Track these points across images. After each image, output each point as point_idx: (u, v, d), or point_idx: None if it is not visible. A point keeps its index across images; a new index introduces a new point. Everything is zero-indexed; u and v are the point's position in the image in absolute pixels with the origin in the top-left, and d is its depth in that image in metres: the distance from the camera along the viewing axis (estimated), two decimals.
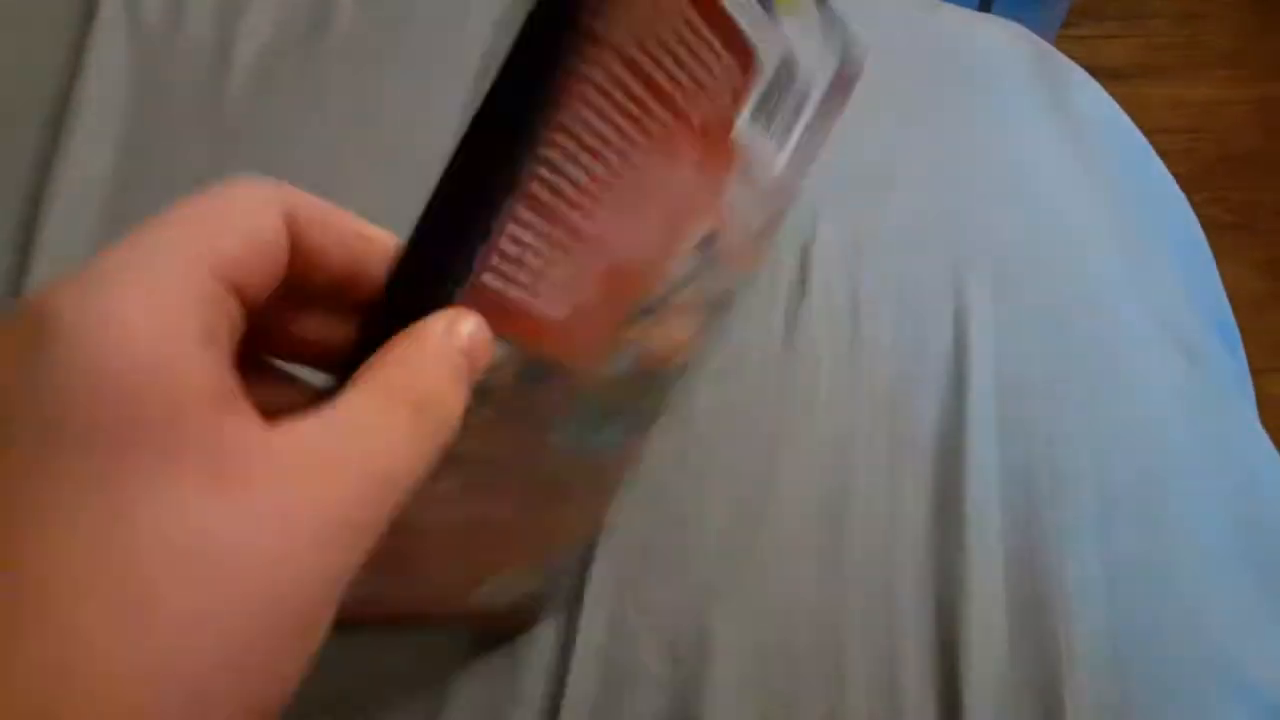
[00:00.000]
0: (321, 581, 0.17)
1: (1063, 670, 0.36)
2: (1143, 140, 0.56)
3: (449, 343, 0.20)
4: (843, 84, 0.29)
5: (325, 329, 0.22)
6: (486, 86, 0.21)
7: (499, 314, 0.22)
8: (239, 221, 0.20)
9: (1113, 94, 0.56)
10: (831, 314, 0.44)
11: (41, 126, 0.48)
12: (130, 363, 0.16)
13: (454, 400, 0.20)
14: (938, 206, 0.48)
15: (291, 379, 0.22)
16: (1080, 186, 0.50)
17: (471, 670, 0.36)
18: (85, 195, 0.46)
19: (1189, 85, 1.21)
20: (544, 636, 0.37)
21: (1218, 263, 0.55)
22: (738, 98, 0.25)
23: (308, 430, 0.18)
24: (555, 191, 0.21)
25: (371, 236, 0.23)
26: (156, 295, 0.17)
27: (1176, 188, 0.56)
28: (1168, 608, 0.38)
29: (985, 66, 0.54)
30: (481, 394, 0.21)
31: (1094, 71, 0.57)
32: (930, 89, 0.53)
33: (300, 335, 0.22)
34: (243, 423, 0.17)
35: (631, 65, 0.21)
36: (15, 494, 0.16)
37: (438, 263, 0.21)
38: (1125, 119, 0.56)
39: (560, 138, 0.21)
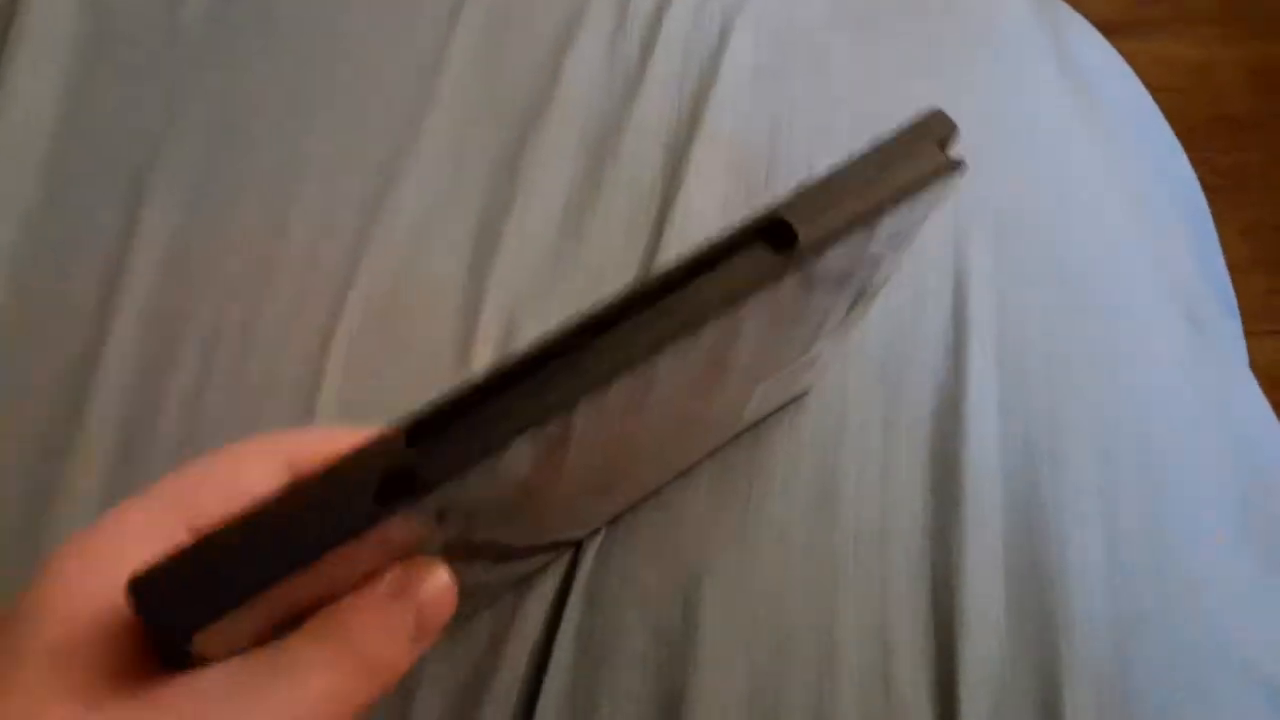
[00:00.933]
0: None
1: (1061, 648, 0.35)
2: (1147, 96, 0.54)
3: (385, 598, 0.20)
4: None
5: None
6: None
7: None
8: (239, 490, 0.20)
9: None
10: None
11: None
12: (81, 610, 0.19)
13: (390, 647, 0.20)
14: None
15: None
16: (1085, 140, 0.48)
17: (453, 641, 0.34)
18: (27, 137, 0.43)
19: (1177, 43, 1.19)
20: (528, 613, 0.35)
21: None
22: None
23: (229, 675, 0.18)
24: None
25: None
26: (116, 555, 0.19)
27: (1180, 148, 0.54)
28: (1169, 585, 0.37)
29: (984, 16, 0.52)
30: None
31: None
32: (929, 39, 0.50)
33: None
34: (167, 675, 0.18)
35: None
36: None
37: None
38: (1128, 70, 0.54)
39: None
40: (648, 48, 0.48)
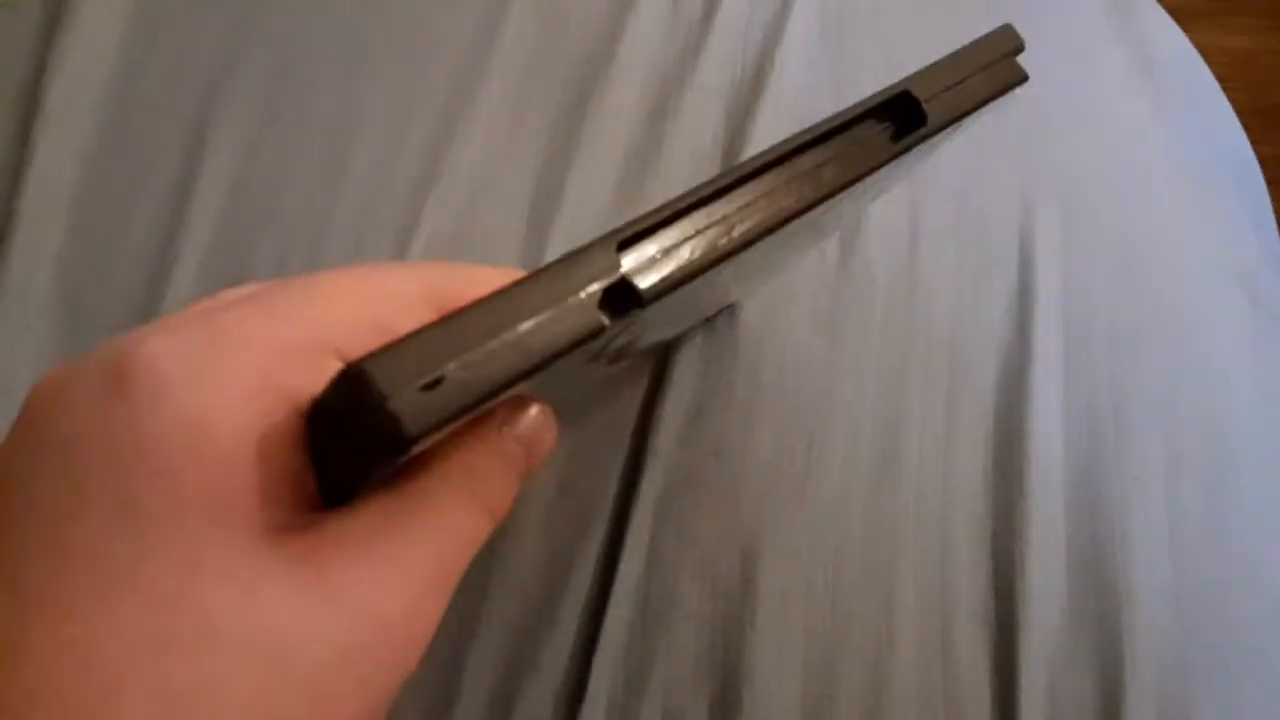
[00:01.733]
0: (387, 670, 0.17)
1: (1122, 620, 0.34)
2: (1210, 76, 0.53)
3: (503, 437, 0.20)
4: None
5: None
6: None
7: None
8: (372, 312, 0.19)
9: None
10: (890, 242, 0.41)
11: (41, 7, 0.44)
12: (227, 444, 0.16)
13: (505, 490, 0.20)
14: (1004, 133, 0.45)
15: None
16: (1151, 120, 0.48)
17: (507, 593, 0.34)
18: (87, 82, 0.42)
19: (1223, 33, 1.18)
20: (582, 565, 0.35)
21: None
22: None
23: (371, 518, 0.17)
24: None
25: None
26: (262, 379, 0.17)
27: (1239, 126, 0.53)
28: (1230, 560, 0.36)
29: None
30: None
31: None
32: (997, 9, 0.50)
33: None
34: (313, 516, 0.17)
35: None
36: (89, 560, 0.15)
37: None
38: (1193, 51, 0.53)
39: None
40: (712, 6, 0.47)
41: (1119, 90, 0.48)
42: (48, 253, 0.38)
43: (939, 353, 0.39)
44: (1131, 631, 0.34)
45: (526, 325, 0.17)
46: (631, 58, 0.46)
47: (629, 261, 0.18)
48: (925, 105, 0.23)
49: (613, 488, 0.36)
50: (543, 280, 0.17)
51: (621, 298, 0.18)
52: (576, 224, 0.41)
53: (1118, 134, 0.47)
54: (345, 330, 0.18)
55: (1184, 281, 0.43)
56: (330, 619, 0.16)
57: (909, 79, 0.23)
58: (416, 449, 0.16)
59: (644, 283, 0.18)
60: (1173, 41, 0.53)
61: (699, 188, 0.20)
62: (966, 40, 0.50)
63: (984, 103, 0.24)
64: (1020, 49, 0.25)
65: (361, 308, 0.19)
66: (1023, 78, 0.25)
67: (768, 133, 0.43)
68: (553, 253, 0.40)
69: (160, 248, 0.39)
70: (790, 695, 0.33)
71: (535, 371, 0.17)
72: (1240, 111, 1.20)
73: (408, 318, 0.18)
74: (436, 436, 0.16)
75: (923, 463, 0.37)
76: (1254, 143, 1.15)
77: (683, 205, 0.19)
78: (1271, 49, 1.18)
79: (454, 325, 0.16)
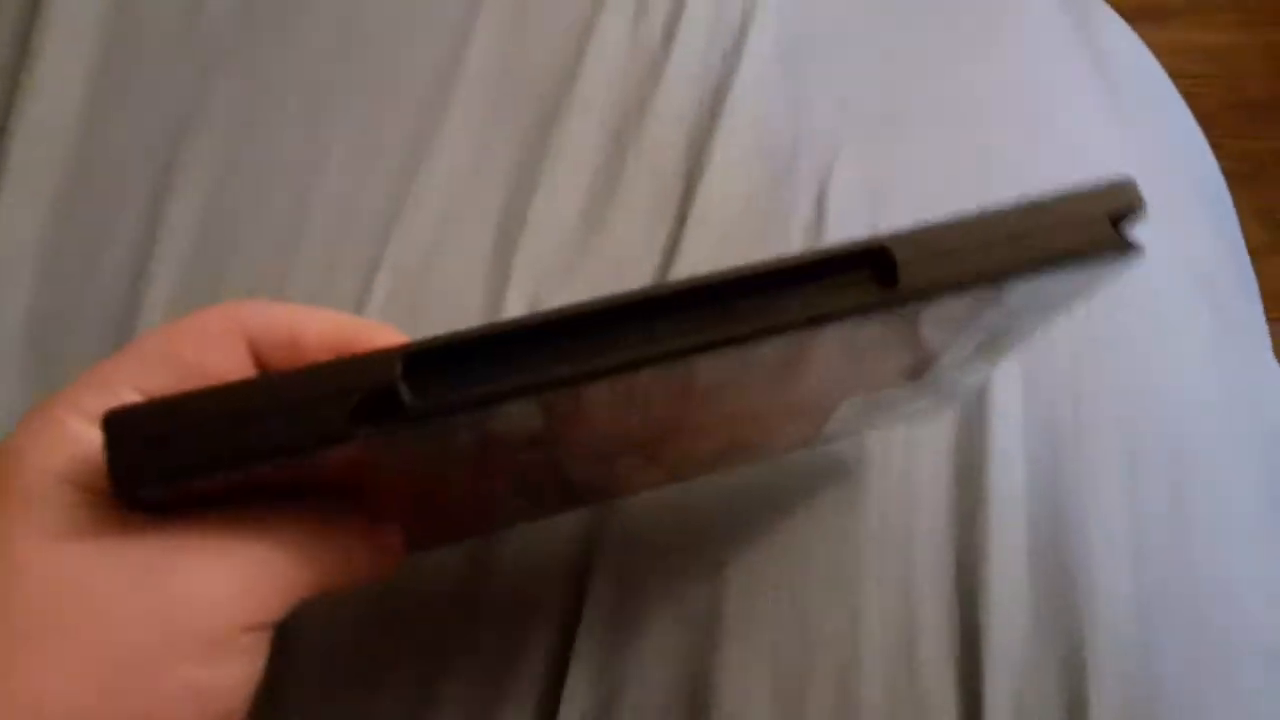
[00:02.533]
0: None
1: (1085, 631, 0.35)
2: (1167, 80, 0.54)
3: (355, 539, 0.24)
4: None
5: None
6: None
7: None
8: (193, 361, 0.22)
9: None
10: None
11: (6, 50, 0.45)
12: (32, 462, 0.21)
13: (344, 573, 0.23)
14: (961, 144, 0.46)
15: None
16: (1107, 127, 0.48)
17: (479, 621, 0.35)
18: (52, 127, 0.43)
19: (1196, 29, 1.18)
20: (551, 586, 0.35)
21: None
22: None
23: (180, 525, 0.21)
24: None
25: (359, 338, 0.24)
26: (66, 411, 0.21)
27: (1201, 134, 0.54)
28: (1194, 569, 0.37)
29: (1011, 3, 0.52)
30: None
31: None
32: (954, 26, 0.50)
33: None
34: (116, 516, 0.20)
35: None
36: None
37: None
38: (1150, 58, 0.54)
39: None
40: (670, 33, 0.48)
41: (1075, 97, 0.49)
42: (17, 303, 0.39)
43: None
44: (1095, 642, 0.34)
45: (270, 418, 0.18)
46: (593, 87, 0.46)
47: (416, 377, 0.18)
48: (901, 269, 0.19)
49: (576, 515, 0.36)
50: (303, 377, 0.18)
51: (385, 409, 0.17)
52: (540, 256, 0.42)
53: (1074, 142, 0.47)
54: (146, 366, 0.22)
55: (1144, 289, 0.43)
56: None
57: (901, 238, 0.19)
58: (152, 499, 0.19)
59: (415, 399, 0.17)
60: (1128, 46, 0.53)
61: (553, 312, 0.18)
62: (929, 53, 0.50)
63: (1025, 273, 0.19)
64: (1134, 212, 0.20)
65: (162, 346, 0.22)
66: (1122, 249, 0.20)
67: (726, 159, 0.44)
68: (516, 283, 0.41)
69: (128, 293, 0.40)
70: (759, 717, 0.34)
71: (257, 463, 0.18)
72: (1219, 107, 1.21)
73: (211, 354, 0.22)
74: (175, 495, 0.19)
75: (884, 478, 0.37)
76: (1232, 137, 1.16)
77: (506, 329, 0.18)
78: (1250, 44, 1.18)
79: (209, 397, 0.18)
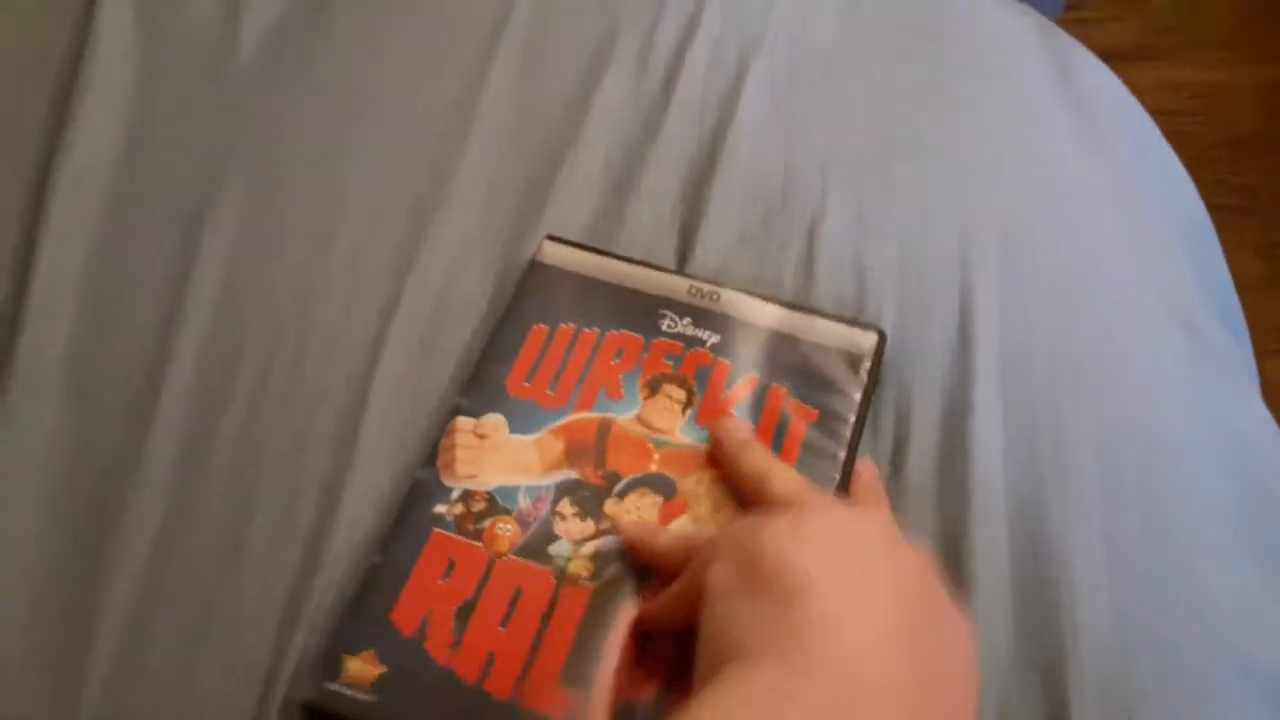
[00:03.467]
0: None
1: (1066, 651, 0.36)
2: (1148, 120, 0.56)
3: None
4: None
5: None
6: None
7: None
8: None
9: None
10: (838, 289, 0.44)
11: (48, 106, 0.48)
12: None
13: None
14: (945, 184, 0.48)
15: None
16: (1087, 164, 0.50)
17: None
18: (92, 175, 0.46)
19: (1190, 68, 1.21)
20: None
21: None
22: None
23: None
24: None
25: None
26: None
27: (1182, 168, 0.56)
28: (1171, 589, 0.38)
29: (992, 45, 0.54)
30: None
31: (1096, 54, 0.57)
32: (938, 67, 0.53)
33: None
34: None
35: None
36: None
37: None
38: (1131, 98, 0.56)
39: None
40: (670, 84, 0.50)
41: (1056, 133, 0.51)
42: (57, 340, 0.42)
43: (883, 394, 0.41)
44: (1075, 660, 0.35)
45: None
46: (597, 133, 0.49)
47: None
48: None
49: None
50: None
51: None
52: None
53: (1055, 176, 0.49)
54: None
55: (1122, 315, 0.45)
56: None
57: None
58: None
59: None
60: (1106, 84, 0.55)
61: None
62: (914, 93, 0.53)
63: None
64: None
65: None
66: None
67: (722, 200, 0.46)
68: None
69: (160, 331, 0.42)
70: None
71: None
72: (1211, 144, 1.23)
73: None
74: None
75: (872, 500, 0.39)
76: (1224, 172, 1.18)
77: None
78: (1241, 82, 1.21)
79: None
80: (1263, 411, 0.45)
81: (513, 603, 0.35)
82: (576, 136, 0.49)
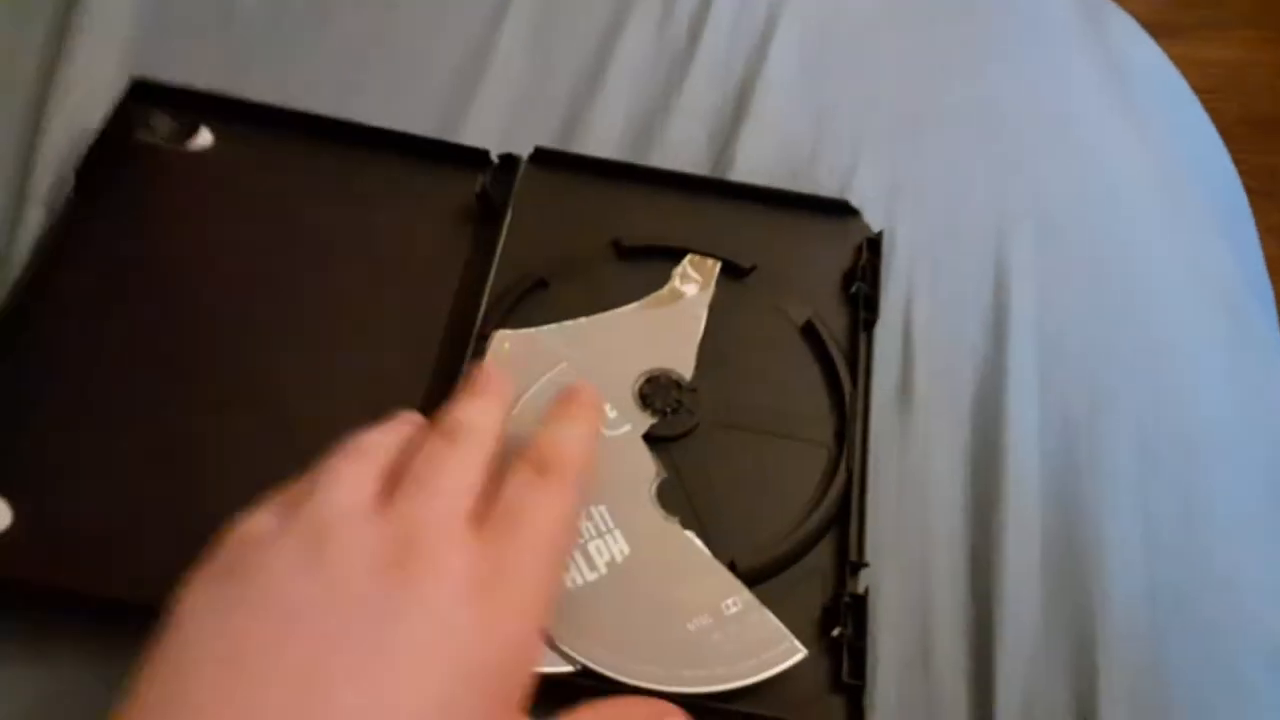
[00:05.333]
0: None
1: (1097, 632, 0.35)
2: (1189, 91, 0.54)
3: None
4: None
5: None
6: None
7: None
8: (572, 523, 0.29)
9: None
10: None
11: (40, 57, 0.45)
12: None
13: None
14: (980, 152, 0.46)
15: None
16: (1126, 135, 0.49)
17: None
18: (89, 108, 0.44)
19: (1211, 45, 1.19)
20: None
21: None
22: None
23: None
24: None
25: None
26: None
27: (1221, 144, 0.54)
28: (1204, 570, 0.37)
29: (1030, 13, 0.53)
30: None
31: None
32: (974, 32, 0.51)
33: None
34: None
35: None
36: None
37: None
38: (1172, 68, 0.54)
39: None
40: (695, 34, 0.48)
41: (1094, 105, 0.49)
42: None
43: (917, 365, 0.40)
44: (1106, 638, 0.35)
45: None
46: (618, 83, 0.47)
47: None
48: None
49: None
50: None
51: None
52: None
53: (1093, 149, 0.48)
54: None
55: (1159, 295, 0.44)
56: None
57: None
58: None
59: None
60: (1147, 55, 0.54)
61: None
62: (949, 60, 0.51)
63: None
64: None
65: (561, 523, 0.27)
66: None
67: (748, 158, 0.45)
68: None
69: None
70: None
71: None
72: (1231, 122, 1.21)
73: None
74: None
75: (902, 476, 0.38)
76: (1244, 152, 1.16)
77: None
78: (1262, 60, 1.19)
79: None
80: None
81: None
82: (597, 87, 0.47)
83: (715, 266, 0.40)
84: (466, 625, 0.23)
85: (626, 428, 0.36)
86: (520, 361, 0.36)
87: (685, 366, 0.37)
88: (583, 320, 0.38)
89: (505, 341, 0.37)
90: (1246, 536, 0.38)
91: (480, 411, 0.28)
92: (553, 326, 0.38)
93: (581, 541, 0.32)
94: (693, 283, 0.39)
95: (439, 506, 0.25)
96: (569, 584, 0.31)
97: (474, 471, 0.26)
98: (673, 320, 0.38)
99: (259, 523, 0.25)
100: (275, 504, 0.25)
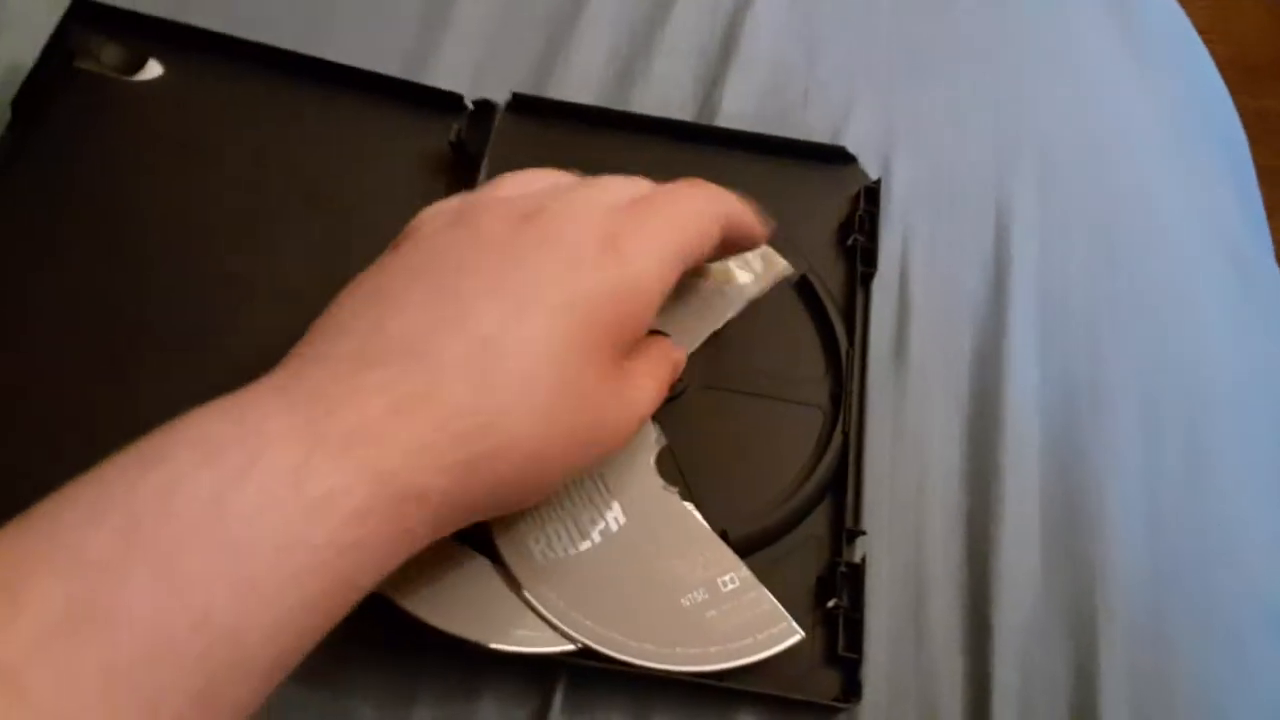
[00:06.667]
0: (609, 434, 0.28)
1: (1096, 595, 0.34)
2: (1193, 31, 0.52)
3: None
4: None
5: None
6: None
7: None
8: (707, 226, 0.30)
9: None
10: None
11: None
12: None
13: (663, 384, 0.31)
14: (981, 93, 0.44)
15: None
16: (1129, 80, 0.46)
17: None
18: (28, 46, 0.40)
19: None
20: None
21: None
22: None
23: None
24: None
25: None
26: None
27: (1224, 89, 0.52)
28: (1206, 535, 0.36)
29: None
30: None
31: None
32: None
33: None
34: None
35: None
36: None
37: None
38: (1175, 6, 0.52)
39: None
40: None
41: (1099, 48, 0.47)
42: None
43: (913, 321, 0.38)
44: (1106, 606, 0.34)
45: None
46: (598, 18, 0.44)
47: None
48: None
49: None
50: None
51: None
52: None
53: (1097, 90, 0.46)
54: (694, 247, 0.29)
55: (1166, 249, 0.42)
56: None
57: None
58: None
59: None
60: (1156, 2, 0.51)
61: None
62: (941, 4, 0.48)
63: None
64: None
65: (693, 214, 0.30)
66: None
67: (736, 98, 0.42)
68: None
69: None
70: None
71: None
72: (1221, 65, 1.18)
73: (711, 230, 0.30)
74: None
75: (896, 438, 0.36)
76: (1236, 97, 1.14)
77: None
78: (1250, 4, 1.16)
79: None
80: None
81: None
82: (574, 24, 0.44)
83: (784, 271, 0.37)
84: (587, 268, 0.26)
85: None
86: None
87: (688, 342, 0.35)
88: None
89: None
90: (1250, 498, 0.37)
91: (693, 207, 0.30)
92: None
93: (576, 510, 0.31)
94: (750, 272, 0.36)
95: (578, 197, 0.28)
96: (563, 552, 0.30)
97: (626, 190, 0.29)
98: (705, 296, 0.36)
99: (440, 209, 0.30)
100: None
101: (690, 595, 0.30)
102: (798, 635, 0.30)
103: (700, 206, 0.30)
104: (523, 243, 0.27)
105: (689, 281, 0.36)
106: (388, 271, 0.27)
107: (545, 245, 0.26)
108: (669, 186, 0.30)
